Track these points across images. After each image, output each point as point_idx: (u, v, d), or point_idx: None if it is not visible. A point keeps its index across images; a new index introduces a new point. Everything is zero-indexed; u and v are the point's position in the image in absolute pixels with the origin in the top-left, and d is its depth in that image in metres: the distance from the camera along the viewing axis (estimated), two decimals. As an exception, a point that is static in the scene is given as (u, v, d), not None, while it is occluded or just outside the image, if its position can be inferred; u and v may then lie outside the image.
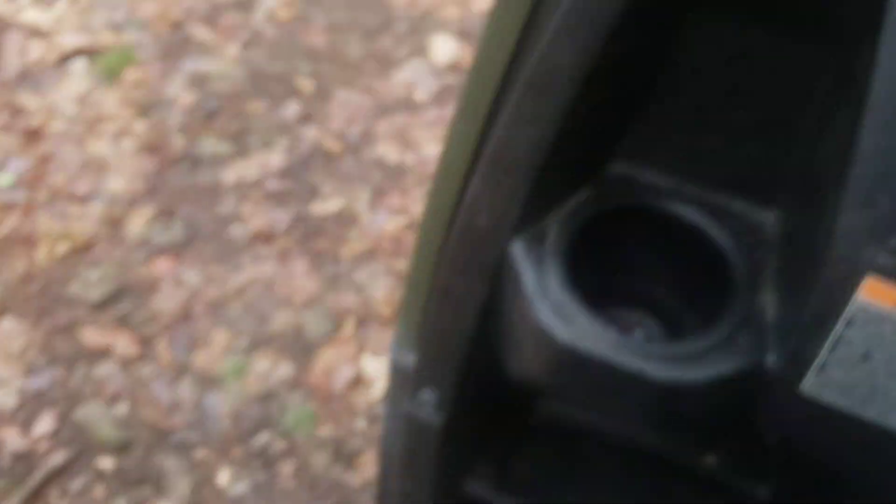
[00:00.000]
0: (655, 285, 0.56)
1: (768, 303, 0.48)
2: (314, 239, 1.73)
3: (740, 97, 0.48)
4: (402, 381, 0.64)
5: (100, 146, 1.81)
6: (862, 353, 0.42)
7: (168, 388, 1.51)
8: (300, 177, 1.82)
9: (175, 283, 1.64)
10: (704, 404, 0.49)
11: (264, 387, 1.53)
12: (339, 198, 1.79)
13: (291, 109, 1.93)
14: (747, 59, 0.46)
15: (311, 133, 1.88)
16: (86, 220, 1.69)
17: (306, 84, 1.98)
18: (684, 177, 0.52)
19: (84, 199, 1.73)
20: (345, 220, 1.76)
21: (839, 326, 0.42)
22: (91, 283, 1.62)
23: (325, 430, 1.48)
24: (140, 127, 1.85)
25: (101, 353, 1.53)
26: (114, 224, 1.70)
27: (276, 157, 1.84)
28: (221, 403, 1.51)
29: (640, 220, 0.52)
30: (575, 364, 0.48)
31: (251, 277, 1.67)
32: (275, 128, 1.89)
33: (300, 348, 1.58)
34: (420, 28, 2.11)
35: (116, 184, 1.76)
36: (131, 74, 1.94)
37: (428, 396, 0.59)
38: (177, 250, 1.69)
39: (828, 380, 0.43)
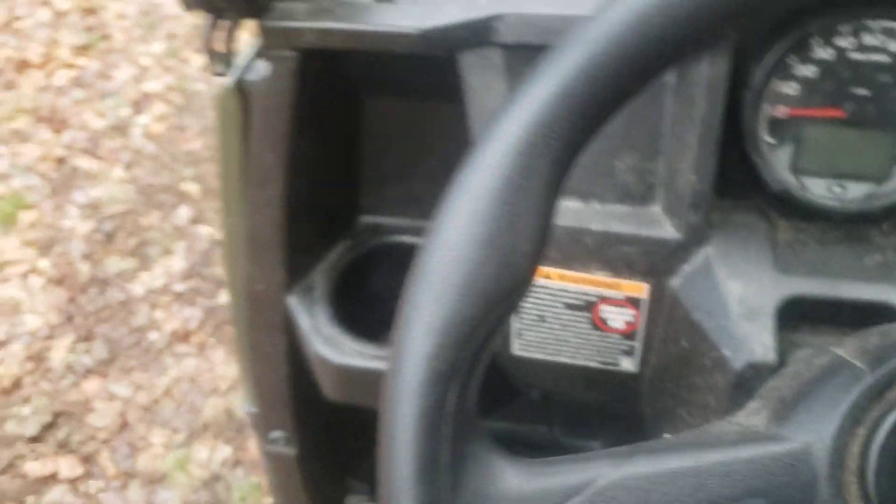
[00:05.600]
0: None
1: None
2: (227, 327, 1.85)
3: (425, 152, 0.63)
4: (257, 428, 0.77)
5: (9, 289, 1.91)
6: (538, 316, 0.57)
7: (118, 497, 1.60)
8: (203, 273, 1.94)
9: (107, 399, 1.75)
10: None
11: (208, 472, 1.64)
12: (243, 284, 1.91)
13: (183, 214, 2.06)
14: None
15: (205, 231, 2.01)
16: (9, 362, 1.79)
17: (192, 188, 2.11)
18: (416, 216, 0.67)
19: (4, 343, 1.82)
20: (252, 302, 1.88)
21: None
22: (25, 418, 1.71)
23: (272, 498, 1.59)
24: (44, 263, 1.96)
25: (47, 481, 1.62)
26: (37, 359, 1.80)
27: (177, 262, 1.96)
28: (171, 498, 1.60)
29: (390, 255, 0.67)
30: (352, 380, 0.62)
31: (176, 376, 1.78)
32: (171, 235, 2.02)
33: (234, 429, 1.69)
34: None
35: (33, 321, 1.86)
36: (26, 217, 2.05)
37: (276, 435, 0.73)
38: (102, 368, 1.80)
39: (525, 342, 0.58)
